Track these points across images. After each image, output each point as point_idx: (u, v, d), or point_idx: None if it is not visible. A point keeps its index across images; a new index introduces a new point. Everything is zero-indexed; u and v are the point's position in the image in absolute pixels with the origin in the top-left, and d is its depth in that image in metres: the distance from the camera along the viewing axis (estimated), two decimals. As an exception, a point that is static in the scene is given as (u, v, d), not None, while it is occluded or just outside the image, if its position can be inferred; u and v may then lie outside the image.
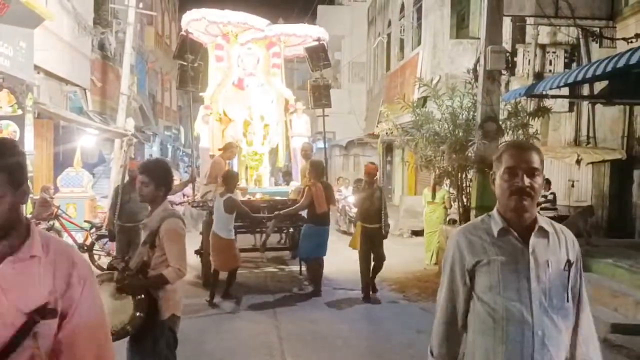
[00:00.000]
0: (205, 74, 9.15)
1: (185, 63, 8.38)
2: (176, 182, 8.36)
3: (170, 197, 7.94)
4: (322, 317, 6.38)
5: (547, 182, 9.57)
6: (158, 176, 3.20)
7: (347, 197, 12.63)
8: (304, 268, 8.13)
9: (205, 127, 9.28)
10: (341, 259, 8.55)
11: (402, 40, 16.78)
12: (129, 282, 2.94)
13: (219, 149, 8.51)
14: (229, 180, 7.03)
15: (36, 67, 9.63)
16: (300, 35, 9.39)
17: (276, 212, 7.58)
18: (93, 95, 14.09)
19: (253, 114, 9.00)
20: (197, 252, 8.02)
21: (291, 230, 8.88)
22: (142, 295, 2.93)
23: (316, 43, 9.05)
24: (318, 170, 7.34)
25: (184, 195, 8.34)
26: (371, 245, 7.10)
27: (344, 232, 12.10)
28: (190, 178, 8.33)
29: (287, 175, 10.62)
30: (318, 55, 9.02)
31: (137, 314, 2.88)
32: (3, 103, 8.70)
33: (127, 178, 6.85)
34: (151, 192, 3.18)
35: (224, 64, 9.20)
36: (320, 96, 9.13)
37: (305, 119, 9.63)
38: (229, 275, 7.08)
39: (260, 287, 7.71)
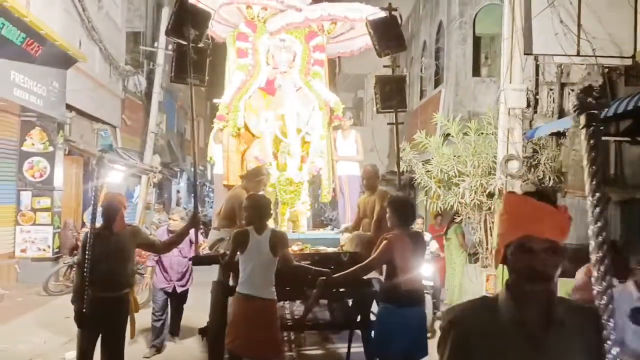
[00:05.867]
0: (218, 62, 6.68)
1: (183, 42, 5.32)
2: (177, 222, 6.18)
3: (180, 247, 5.82)
4: None
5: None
6: None
7: None
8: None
9: (218, 147, 6.73)
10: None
11: (423, 78, 16.92)
12: None
13: (241, 176, 5.87)
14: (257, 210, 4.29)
15: (68, 106, 10.00)
16: (353, 18, 6.62)
17: (320, 277, 4.10)
18: (122, 133, 14.50)
19: (287, 127, 6.43)
20: (202, 331, 5.35)
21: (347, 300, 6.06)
22: None
23: (384, 15, 5.98)
24: (402, 212, 4.07)
25: (191, 242, 5.79)
26: None
27: None
28: (191, 221, 4.82)
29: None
30: (388, 31, 5.88)
31: None
32: (35, 140, 9.06)
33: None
34: None
35: (249, 60, 6.60)
36: (391, 93, 6.03)
37: (355, 137, 7.05)
38: None
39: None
